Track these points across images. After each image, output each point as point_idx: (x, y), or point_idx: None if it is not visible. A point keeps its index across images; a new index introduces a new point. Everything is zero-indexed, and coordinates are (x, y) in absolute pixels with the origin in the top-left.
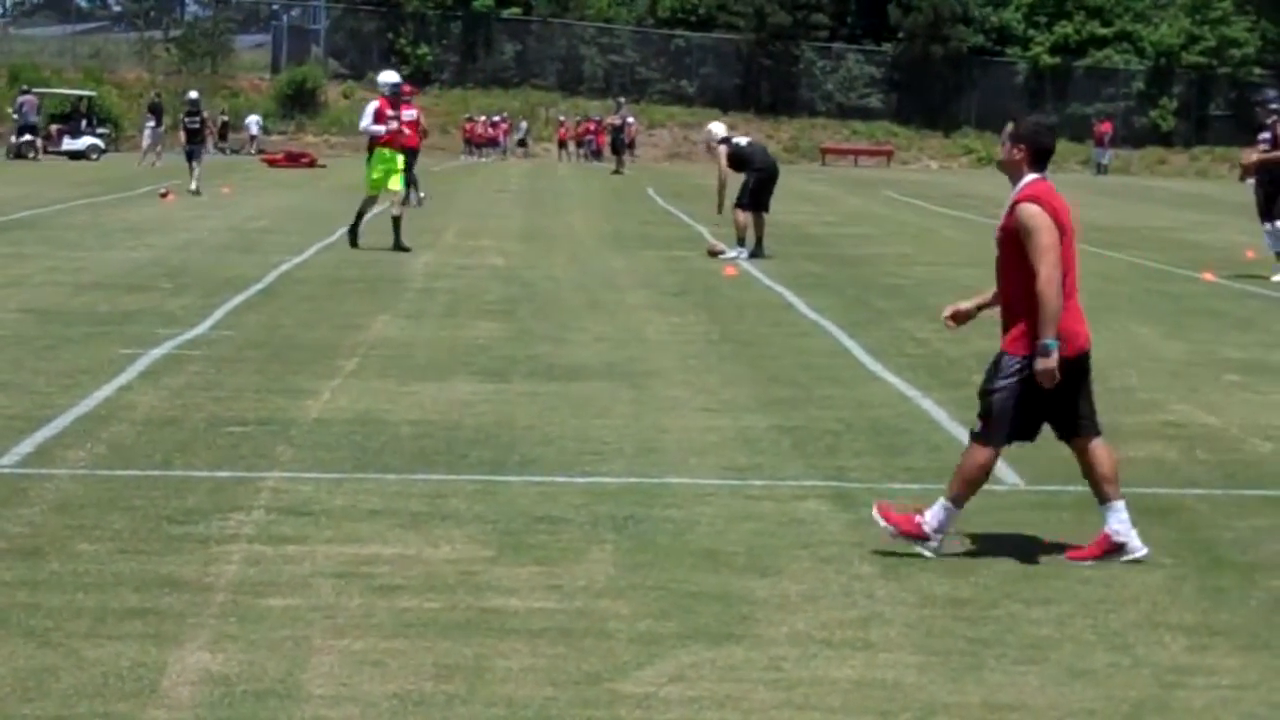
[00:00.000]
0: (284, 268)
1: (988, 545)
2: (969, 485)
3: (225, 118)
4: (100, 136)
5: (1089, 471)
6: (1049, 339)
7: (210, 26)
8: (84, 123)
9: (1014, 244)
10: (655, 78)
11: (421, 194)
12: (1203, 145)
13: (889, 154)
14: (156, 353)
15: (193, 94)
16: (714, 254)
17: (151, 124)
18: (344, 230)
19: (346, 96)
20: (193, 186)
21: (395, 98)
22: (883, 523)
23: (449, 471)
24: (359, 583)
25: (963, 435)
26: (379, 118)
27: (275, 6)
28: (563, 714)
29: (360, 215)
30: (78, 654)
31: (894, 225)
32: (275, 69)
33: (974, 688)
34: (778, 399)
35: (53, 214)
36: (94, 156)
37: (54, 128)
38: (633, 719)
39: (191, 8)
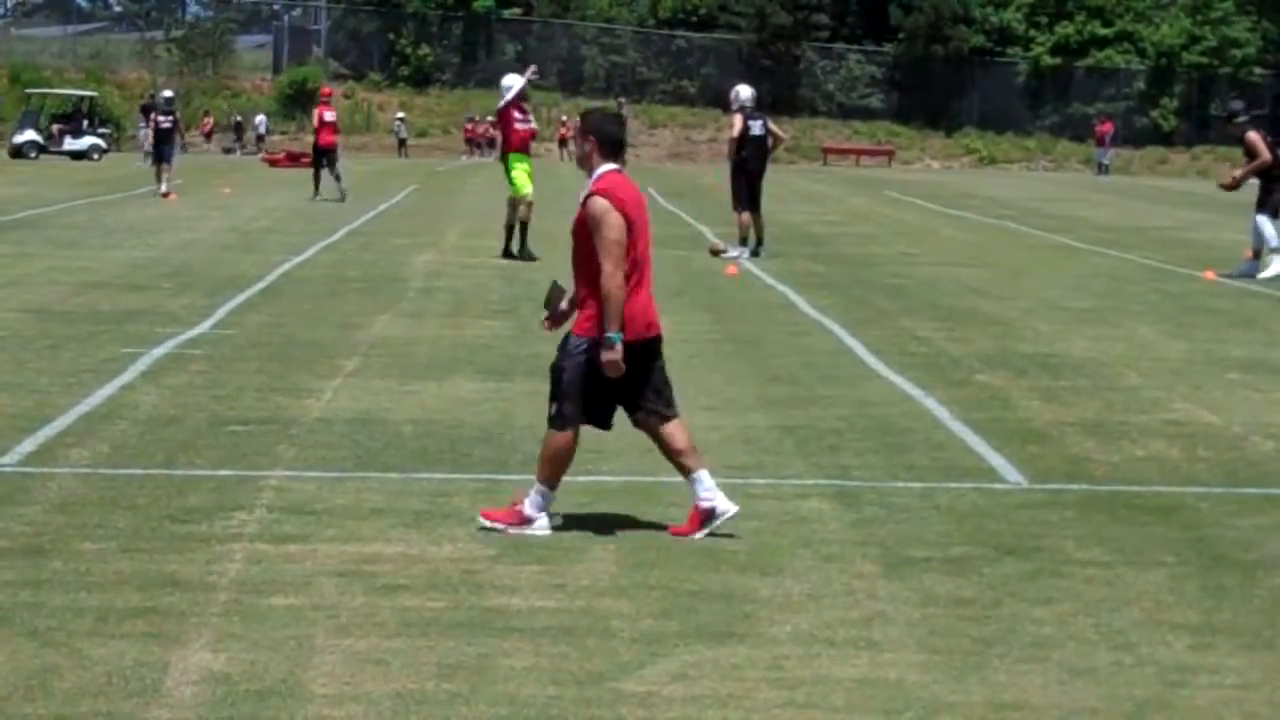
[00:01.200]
0: (285, 267)
1: (991, 544)
2: (554, 466)
3: (239, 118)
4: (102, 136)
5: (665, 452)
6: (612, 332)
7: (211, 27)
8: (85, 123)
9: (586, 235)
10: (656, 78)
11: (344, 190)
12: (1204, 145)
13: (890, 154)
14: (158, 352)
15: (167, 92)
16: (716, 253)
17: (146, 124)
18: (346, 230)
19: (348, 96)
20: (162, 189)
21: (520, 100)
22: (489, 524)
23: (451, 470)
24: (361, 582)
25: (966, 434)
26: (510, 121)
27: (276, 7)
28: (565, 713)
29: (512, 226)
30: (80, 653)
31: (895, 225)
32: (276, 69)
33: (977, 687)
34: (779, 398)
35: (54, 214)
36: (95, 156)
37: (55, 128)
38: (635, 718)
39: (192, 8)
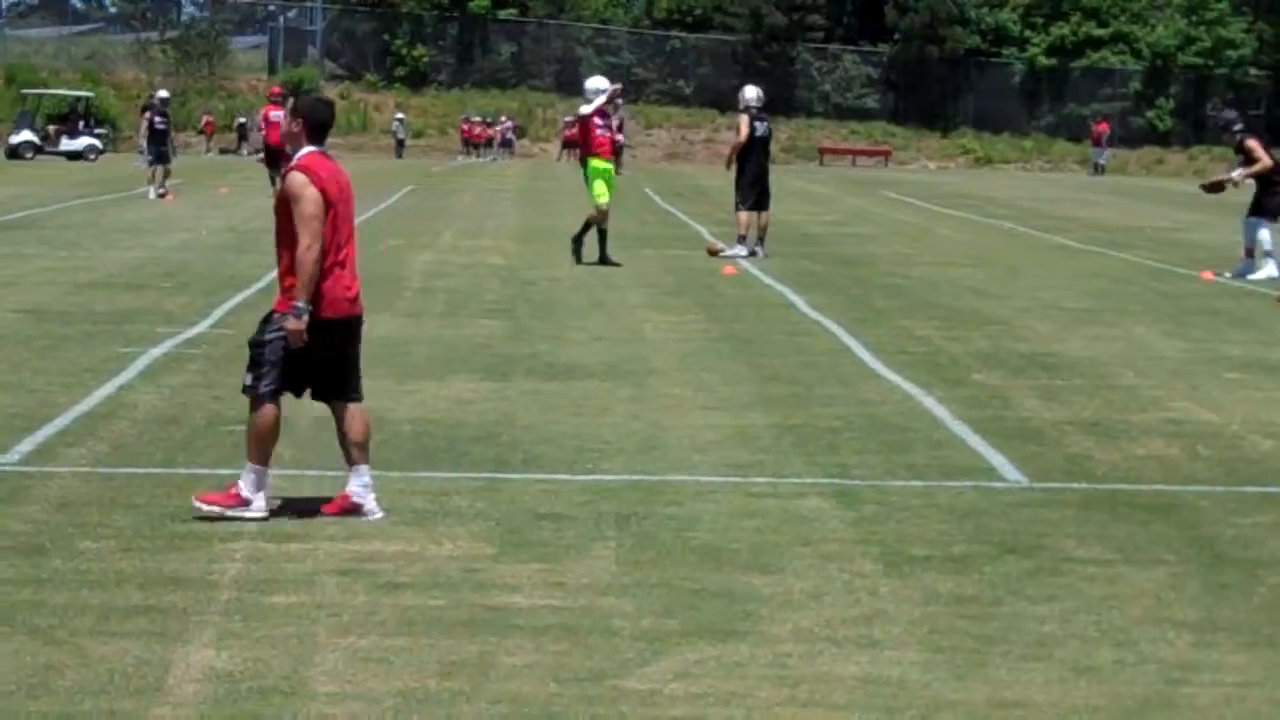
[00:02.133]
0: None
1: (991, 543)
2: (261, 443)
3: (243, 119)
4: (98, 137)
5: (341, 435)
6: (300, 302)
7: (207, 28)
8: (81, 124)
9: (285, 210)
10: (652, 78)
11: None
12: (1200, 145)
13: (886, 154)
14: (156, 351)
15: (162, 93)
16: (713, 253)
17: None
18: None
19: (343, 97)
20: (157, 191)
21: (606, 104)
22: (205, 508)
23: (451, 469)
24: (363, 580)
25: (965, 432)
26: (591, 128)
27: (271, 8)
28: (567, 711)
29: (584, 232)
30: (82, 651)
31: (892, 225)
32: (272, 70)
33: (978, 685)
34: (778, 397)
35: (51, 214)
36: (92, 157)
37: (51, 128)
38: (637, 716)
39: (188, 9)
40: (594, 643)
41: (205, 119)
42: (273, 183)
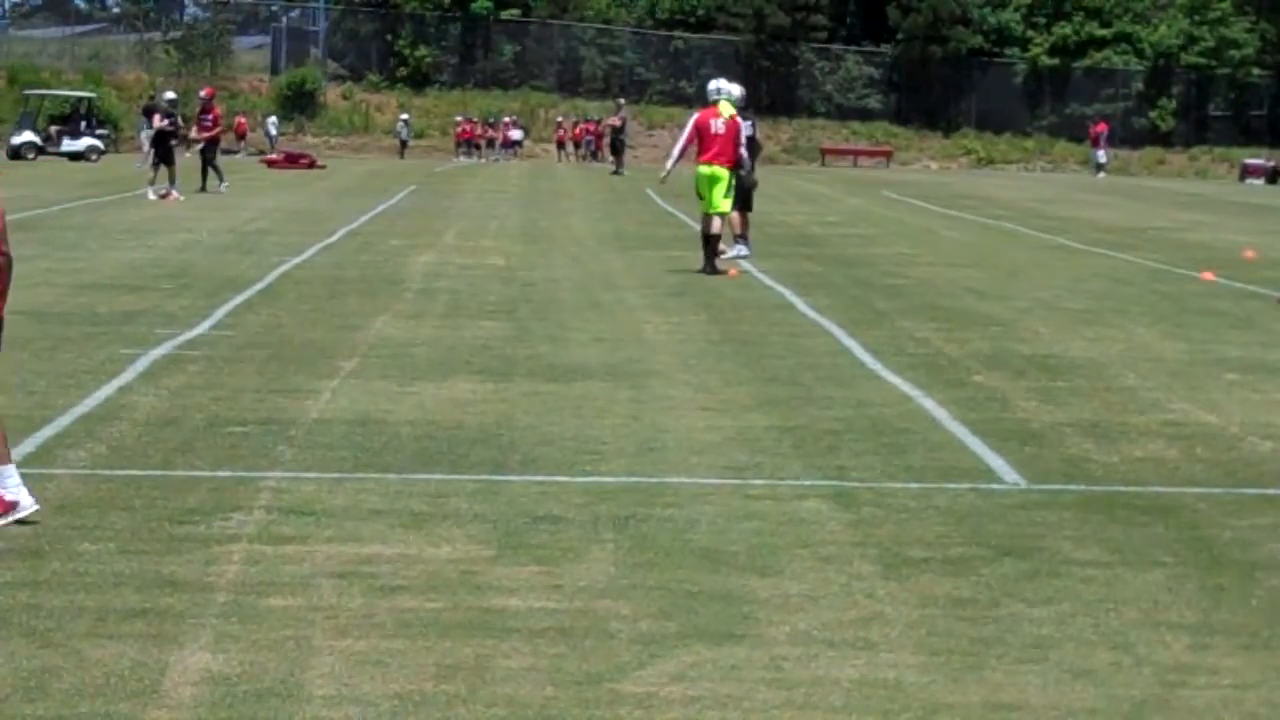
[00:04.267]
0: (284, 268)
1: (989, 545)
2: None
3: (244, 119)
4: (99, 138)
5: None
6: None
7: (209, 28)
8: (83, 124)
9: None
10: (655, 79)
11: (224, 184)
12: (1202, 145)
13: (888, 154)
14: (156, 353)
15: (170, 94)
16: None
17: (147, 126)
18: (345, 230)
19: (346, 98)
20: (159, 192)
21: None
22: None
23: (450, 471)
24: (360, 582)
25: (964, 434)
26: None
27: (274, 8)
28: (563, 714)
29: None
30: (79, 654)
31: (893, 225)
32: (274, 70)
33: (975, 687)
34: (778, 398)
35: (52, 215)
36: (93, 158)
37: (53, 129)
38: (633, 719)
39: (191, 9)
40: (591, 645)
41: (237, 120)
42: (204, 177)
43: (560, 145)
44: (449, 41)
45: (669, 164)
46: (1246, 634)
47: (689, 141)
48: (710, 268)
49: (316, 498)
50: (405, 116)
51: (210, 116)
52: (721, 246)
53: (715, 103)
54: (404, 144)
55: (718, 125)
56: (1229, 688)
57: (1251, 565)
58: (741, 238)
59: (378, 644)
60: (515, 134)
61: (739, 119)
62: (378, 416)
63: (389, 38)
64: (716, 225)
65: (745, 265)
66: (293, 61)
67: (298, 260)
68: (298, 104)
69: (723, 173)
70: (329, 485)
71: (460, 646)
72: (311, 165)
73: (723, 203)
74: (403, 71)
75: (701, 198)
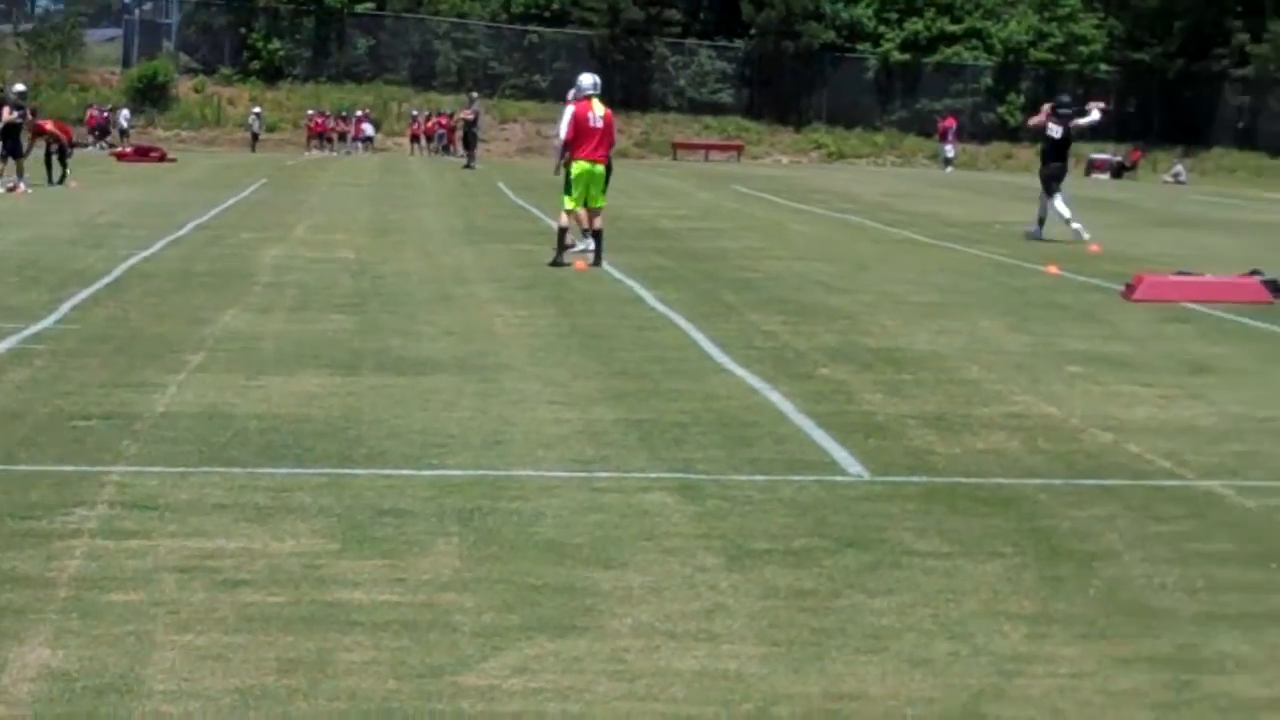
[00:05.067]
0: (132, 262)
1: (832, 536)
2: None
3: (108, 113)
4: None
5: None
6: None
7: (61, 20)
8: None
9: None
10: (508, 73)
11: (74, 181)
12: None
13: (740, 149)
14: (0, 347)
15: (19, 86)
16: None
17: None
18: (195, 224)
19: (198, 91)
20: (6, 185)
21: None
22: None
23: (295, 465)
24: (202, 577)
25: (810, 427)
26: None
27: (127, 1)
28: (405, 707)
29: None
30: None
31: (744, 219)
32: (126, 63)
33: (816, 678)
34: (625, 391)
35: None
36: None
37: None
38: (475, 712)
39: (42, 1)
40: (434, 639)
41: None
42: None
43: (415, 139)
44: (302, 35)
45: (556, 159)
46: (1083, 623)
47: (570, 133)
48: (597, 259)
49: (160, 492)
50: (257, 110)
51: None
52: (570, 239)
53: (589, 97)
54: (256, 137)
55: (595, 119)
56: (1066, 676)
57: (1089, 556)
58: (585, 232)
59: (219, 639)
60: (367, 128)
61: (610, 113)
62: (224, 410)
63: (242, 31)
64: (596, 220)
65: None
66: (145, 54)
67: (146, 254)
68: (149, 97)
69: (600, 169)
70: (173, 479)
71: (303, 640)
72: (162, 159)
73: (601, 199)
74: (256, 65)
75: (569, 193)
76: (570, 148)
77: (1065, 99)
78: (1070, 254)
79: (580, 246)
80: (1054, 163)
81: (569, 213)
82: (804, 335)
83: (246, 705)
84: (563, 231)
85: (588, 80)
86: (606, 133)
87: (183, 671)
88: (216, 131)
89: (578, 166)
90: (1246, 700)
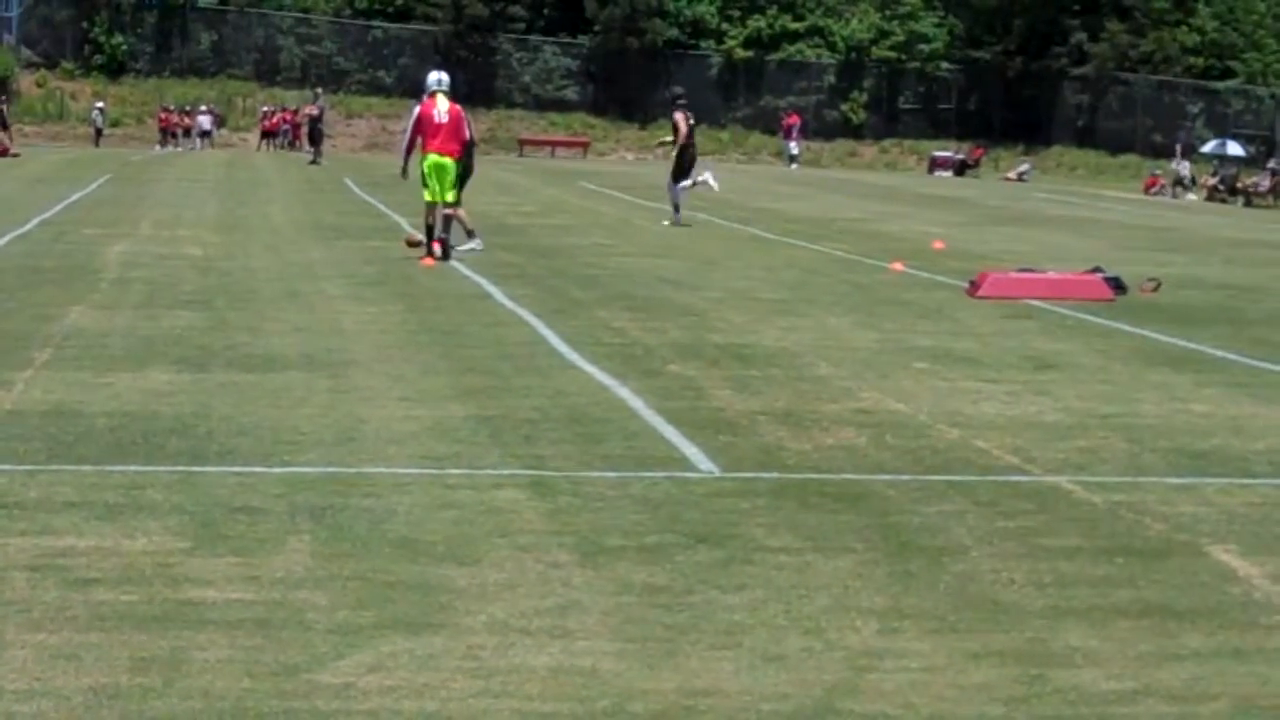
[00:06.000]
0: None
1: (684, 533)
2: None
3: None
4: None
5: None
6: None
7: None
8: None
9: None
10: (353, 68)
11: None
12: (892, 138)
13: (585, 145)
14: None
15: None
16: (413, 244)
17: None
18: (39, 219)
19: (40, 85)
20: None
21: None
22: None
23: (146, 462)
24: (53, 575)
25: (660, 423)
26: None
27: None
28: (260, 705)
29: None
30: None
31: (590, 216)
32: None
33: (670, 674)
34: (475, 388)
35: None
36: None
37: None
38: (330, 709)
39: None
40: (287, 636)
41: None
42: None
43: (265, 135)
44: (145, 29)
45: (403, 161)
46: (934, 618)
47: (415, 133)
48: (444, 253)
49: (9, 490)
50: (100, 104)
51: None
52: (419, 235)
53: (434, 94)
54: (99, 132)
55: (440, 115)
56: (917, 671)
57: (939, 551)
58: (472, 234)
59: (71, 637)
60: (204, 120)
61: (459, 108)
62: (72, 408)
63: (84, 25)
64: (440, 213)
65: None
66: None
67: None
68: None
69: (449, 162)
70: (22, 477)
71: (156, 639)
72: (4, 153)
73: (449, 192)
74: (99, 59)
75: (426, 186)
76: (418, 145)
77: (679, 90)
78: (915, 251)
79: (467, 246)
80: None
81: (429, 205)
82: (652, 332)
83: (100, 704)
84: (429, 228)
85: (432, 77)
86: (454, 128)
87: (35, 670)
88: (60, 126)
89: (427, 160)
90: (1096, 694)
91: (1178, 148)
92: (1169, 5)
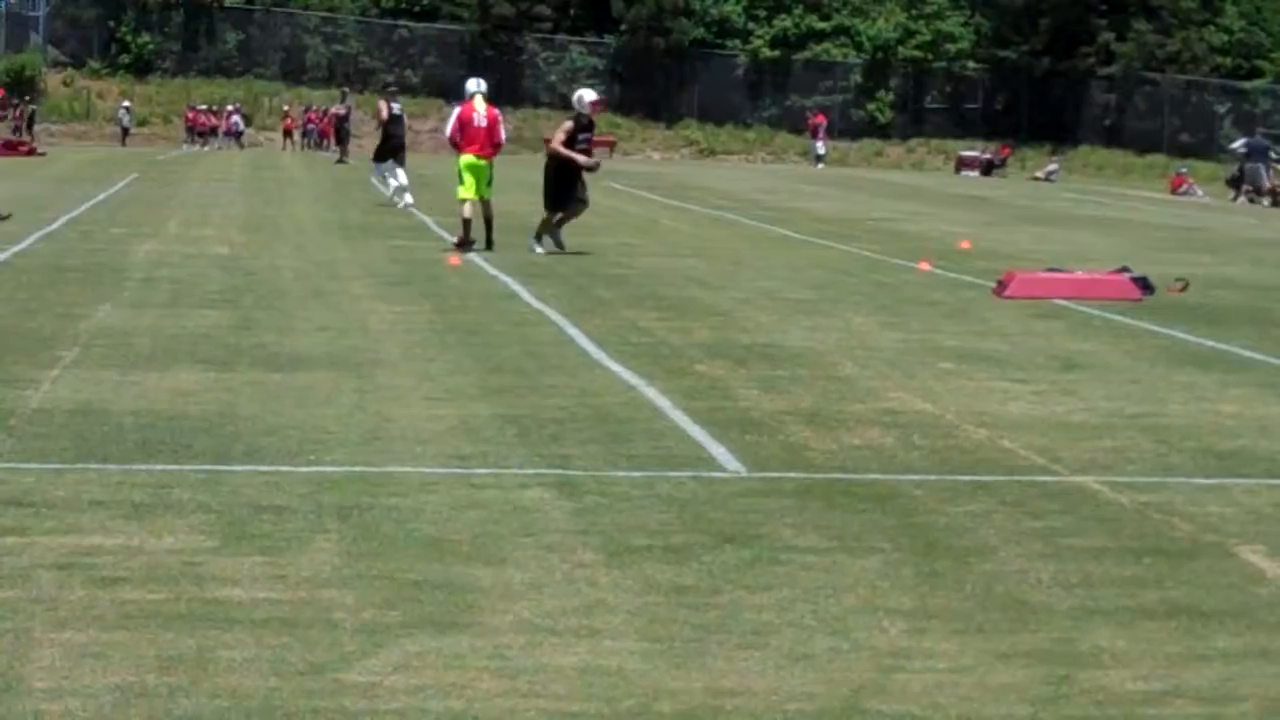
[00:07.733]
0: (2, 257)
1: (710, 532)
2: None
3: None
4: None
5: None
6: None
7: None
8: None
9: None
10: (379, 68)
11: None
12: (919, 138)
13: (611, 145)
14: None
15: None
16: (461, 245)
17: None
18: (66, 218)
19: (67, 84)
20: None
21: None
22: None
23: (172, 461)
24: (80, 574)
25: (686, 423)
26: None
27: None
28: (287, 704)
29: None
30: None
31: (617, 215)
32: None
33: (697, 674)
34: (502, 388)
35: None
36: None
37: None
38: (357, 709)
39: None
40: (314, 636)
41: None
42: None
43: (288, 134)
44: (172, 28)
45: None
46: (960, 619)
47: (454, 134)
48: (488, 243)
49: (36, 489)
50: (127, 104)
51: None
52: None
53: (472, 98)
54: (126, 131)
55: (479, 119)
56: (944, 671)
57: (965, 551)
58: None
59: (98, 636)
60: (236, 120)
61: (496, 112)
62: (99, 406)
63: (111, 24)
64: (469, 210)
65: (473, 255)
66: (12, 48)
67: (17, 249)
68: (17, 90)
69: (484, 163)
70: (49, 476)
71: (183, 638)
72: (31, 153)
73: (486, 190)
74: (125, 59)
75: (462, 183)
76: (458, 146)
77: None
78: (941, 251)
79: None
80: None
81: (464, 202)
82: (679, 331)
83: (127, 702)
84: (467, 222)
85: (472, 84)
86: (491, 131)
87: (62, 669)
88: (86, 125)
89: (465, 160)
90: (1123, 695)
91: (1241, 149)
92: (1196, 5)
